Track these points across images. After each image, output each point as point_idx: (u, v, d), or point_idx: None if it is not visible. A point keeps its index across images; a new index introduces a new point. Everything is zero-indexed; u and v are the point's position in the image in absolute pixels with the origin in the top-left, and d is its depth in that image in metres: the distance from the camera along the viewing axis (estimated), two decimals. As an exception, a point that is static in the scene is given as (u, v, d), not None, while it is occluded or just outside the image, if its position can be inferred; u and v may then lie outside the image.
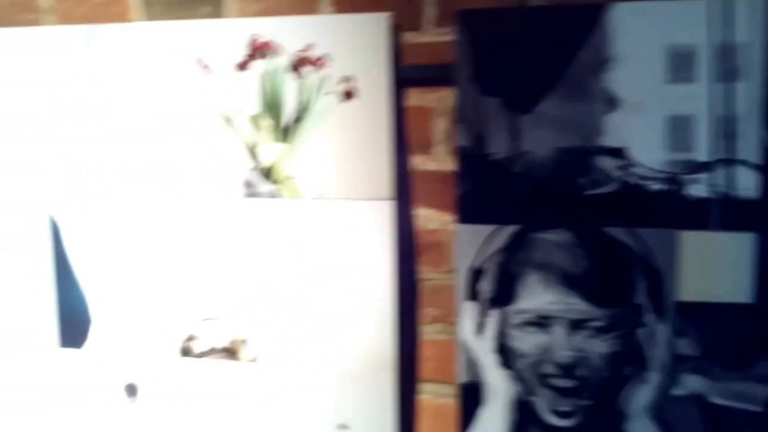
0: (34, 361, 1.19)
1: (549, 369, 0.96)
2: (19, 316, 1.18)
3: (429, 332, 1.10)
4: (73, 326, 1.16)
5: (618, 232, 0.93)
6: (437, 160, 1.05)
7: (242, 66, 1.04)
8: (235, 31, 1.04)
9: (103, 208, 1.12)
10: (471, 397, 1.01)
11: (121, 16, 1.11)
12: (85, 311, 1.14)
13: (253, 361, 1.09)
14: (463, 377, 1.02)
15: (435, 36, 1.02)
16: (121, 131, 1.09)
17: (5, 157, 1.14)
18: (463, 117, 0.98)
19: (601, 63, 0.92)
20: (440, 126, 1.04)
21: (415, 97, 1.04)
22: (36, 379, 1.20)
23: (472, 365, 1.01)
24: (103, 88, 1.09)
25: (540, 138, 0.94)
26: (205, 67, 1.05)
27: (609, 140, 0.92)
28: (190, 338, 1.12)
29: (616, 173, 0.92)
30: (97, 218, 1.12)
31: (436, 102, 1.03)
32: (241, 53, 1.04)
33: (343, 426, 1.07)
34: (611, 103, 0.92)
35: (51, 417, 1.20)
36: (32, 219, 1.15)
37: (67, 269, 1.14)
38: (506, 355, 0.98)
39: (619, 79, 0.92)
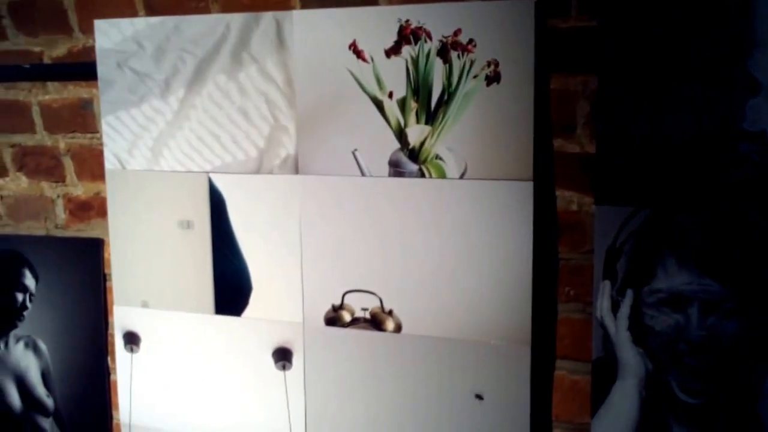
0: (191, 327, 1.59)
1: (682, 348, 1.21)
2: (179, 285, 1.58)
3: (566, 310, 1.37)
4: (232, 294, 1.55)
5: (756, 216, 1.16)
6: (579, 143, 1.32)
7: (392, 51, 1.36)
8: (386, 18, 1.36)
9: (265, 182, 1.49)
10: (604, 374, 1.28)
11: (283, 5, 1.46)
12: (245, 280, 1.53)
13: (397, 331, 1.42)
14: (597, 354, 1.29)
15: (579, 21, 1.28)
16: (278, 110, 1.45)
17: (173, 130, 1.54)
18: (605, 100, 1.24)
19: (743, 47, 1.15)
20: (583, 109, 1.31)
21: (559, 81, 1.31)
22: (191, 345, 1.60)
23: (607, 343, 1.28)
24: (264, 70, 1.45)
25: (680, 121, 1.19)
26: (358, 52, 1.38)
27: (750, 124, 1.16)
28: (338, 309, 1.47)
29: (757, 157, 1.15)
30: (260, 191, 1.49)
31: (579, 86, 1.29)
32: (392, 39, 1.36)
33: (479, 396, 1.38)
34: (753, 87, 1.15)
35: (205, 382, 1.60)
36: (197, 189, 1.54)
37: (230, 240, 1.53)
38: (640, 333, 1.24)
39: (762, 64, 1.14)
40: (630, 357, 1.24)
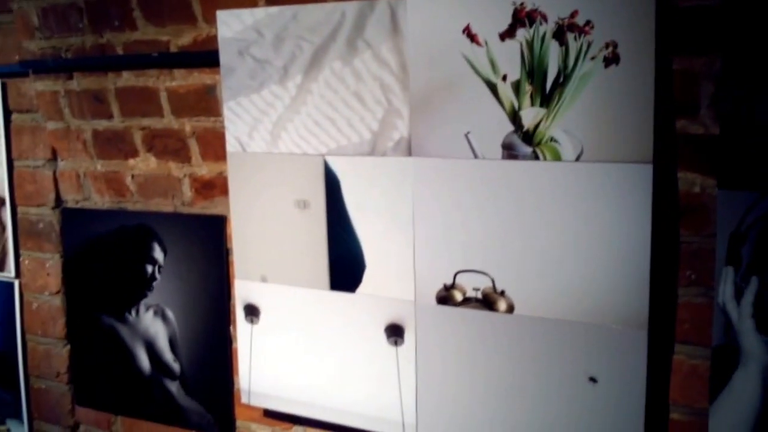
0: (307, 301, 1.58)
1: (809, 337, 1.11)
2: (296, 261, 1.58)
3: (687, 294, 1.28)
4: (346, 271, 1.53)
5: None
6: (702, 124, 1.22)
7: (507, 34, 1.29)
8: (500, 1, 1.28)
9: (378, 164, 1.45)
10: (725, 360, 1.19)
11: (395, -10, 1.41)
12: (359, 258, 1.50)
13: (509, 312, 1.37)
14: (718, 340, 1.20)
15: (700, 0, 1.18)
16: (392, 94, 1.41)
17: (291, 114, 1.53)
18: (729, 81, 1.14)
19: None
20: (707, 90, 1.20)
21: (682, 62, 1.21)
22: (307, 319, 1.59)
23: (729, 329, 1.19)
24: (379, 55, 1.41)
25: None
26: (472, 36, 1.32)
27: None
28: (450, 288, 1.42)
29: None
30: (373, 173, 1.46)
31: (703, 66, 1.19)
32: (506, 22, 1.29)
33: (593, 379, 1.32)
34: None
35: (319, 354, 1.59)
36: (313, 171, 1.52)
37: (344, 219, 1.51)
38: (765, 321, 1.15)
39: None
40: (753, 345, 1.15)
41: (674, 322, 1.29)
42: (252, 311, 1.64)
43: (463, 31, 1.32)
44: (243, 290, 1.64)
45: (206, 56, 1.61)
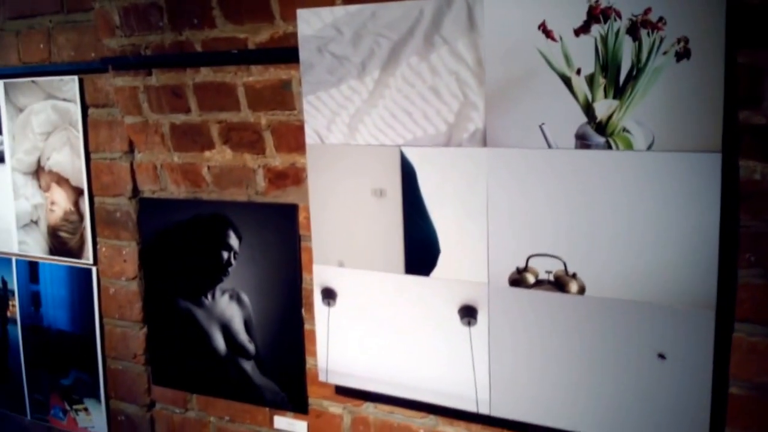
0: (383, 284, 1.66)
1: None
2: (372, 247, 1.66)
3: (747, 276, 1.34)
4: (421, 256, 1.61)
5: None
6: (764, 115, 1.27)
7: (581, 30, 1.36)
8: (575, -1, 1.35)
9: (454, 155, 1.53)
10: (793, 337, 1.26)
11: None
12: (434, 243, 1.58)
13: (580, 293, 1.44)
14: (785, 319, 1.27)
15: (770, -4, 1.24)
16: (468, 88, 1.48)
17: (368, 108, 1.60)
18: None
19: None
20: (773, 82, 1.26)
21: (747, 55, 1.27)
22: (383, 301, 1.68)
23: (796, 308, 1.25)
24: (455, 51, 1.48)
25: None
26: (547, 32, 1.39)
27: None
28: (522, 271, 1.50)
29: None
30: (449, 163, 1.53)
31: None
32: (581, 18, 1.36)
33: (662, 355, 1.39)
34: None
35: (395, 334, 1.68)
36: (389, 161, 1.60)
37: (420, 206, 1.58)
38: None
39: None
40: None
41: (735, 302, 1.36)
42: (329, 294, 1.72)
43: (539, 27, 1.38)
44: (320, 275, 1.73)
45: (284, 53, 1.69)
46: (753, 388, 1.37)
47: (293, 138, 1.77)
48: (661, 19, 1.28)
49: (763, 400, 1.35)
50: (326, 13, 1.58)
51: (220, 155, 1.91)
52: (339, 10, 1.57)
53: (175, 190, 2.02)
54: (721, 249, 1.32)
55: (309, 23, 1.61)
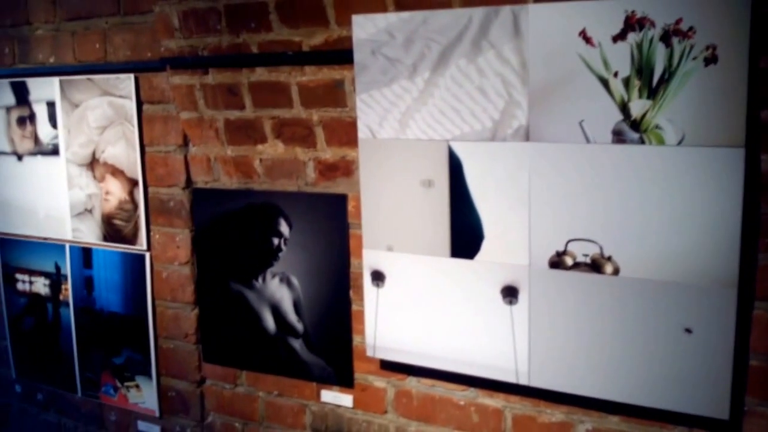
0: (429, 267, 1.81)
1: None
2: (419, 233, 1.81)
3: (765, 259, 1.50)
4: (466, 241, 1.75)
5: None
6: (789, 113, 1.44)
7: (619, 37, 1.50)
8: (613, 9, 1.49)
9: (499, 149, 1.68)
10: (808, 312, 1.42)
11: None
12: (478, 230, 1.73)
13: (615, 275, 1.59)
14: (802, 296, 1.42)
15: (793, 8, 1.39)
16: (513, 88, 1.63)
17: (418, 105, 1.75)
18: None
19: None
20: (794, 84, 1.42)
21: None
22: (429, 282, 1.82)
23: (812, 286, 1.41)
24: (501, 55, 1.63)
25: None
26: (587, 38, 1.54)
27: None
28: (561, 254, 1.65)
29: None
30: (493, 156, 1.68)
31: (792, 64, 1.41)
32: (618, 27, 1.50)
33: (688, 330, 1.54)
34: None
35: (440, 313, 1.83)
36: (438, 154, 1.75)
37: (466, 196, 1.73)
38: None
39: None
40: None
41: (755, 282, 1.51)
42: (378, 276, 1.87)
43: (579, 34, 1.53)
44: (370, 258, 1.88)
45: (339, 55, 1.83)
46: (770, 360, 1.53)
47: (344, 133, 1.91)
48: (691, 28, 1.43)
49: (780, 372, 1.51)
50: (380, 19, 1.72)
51: (272, 149, 2.05)
52: (392, 16, 1.71)
53: (228, 181, 2.16)
54: (743, 234, 1.47)
55: (363, 28, 1.75)
